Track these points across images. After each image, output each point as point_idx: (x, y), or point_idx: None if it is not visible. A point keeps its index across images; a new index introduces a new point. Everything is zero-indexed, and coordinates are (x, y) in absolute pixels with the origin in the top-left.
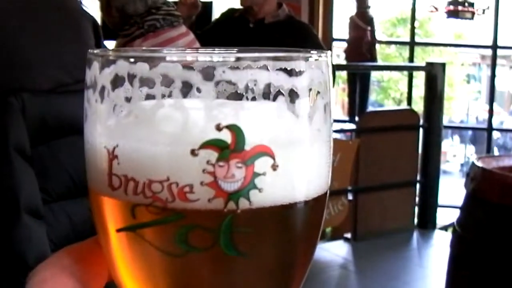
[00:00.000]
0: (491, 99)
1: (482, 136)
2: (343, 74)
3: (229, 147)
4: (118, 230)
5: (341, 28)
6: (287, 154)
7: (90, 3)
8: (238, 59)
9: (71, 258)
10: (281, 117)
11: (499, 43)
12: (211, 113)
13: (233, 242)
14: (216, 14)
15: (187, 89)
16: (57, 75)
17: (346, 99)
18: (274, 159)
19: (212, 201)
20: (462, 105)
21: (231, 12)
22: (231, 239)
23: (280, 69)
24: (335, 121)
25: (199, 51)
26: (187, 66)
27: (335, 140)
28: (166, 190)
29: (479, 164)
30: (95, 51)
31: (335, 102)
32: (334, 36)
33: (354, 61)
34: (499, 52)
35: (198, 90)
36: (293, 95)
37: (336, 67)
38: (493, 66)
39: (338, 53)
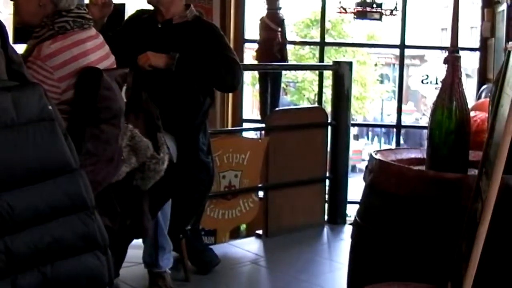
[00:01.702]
0: (399, 98)
1: (400, 131)
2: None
3: None
4: None
5: (252, 29)
6: None
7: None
8: None
9: None
10: None
11: (408, 43)
12: None
13: None
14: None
15: None
16: None
17: None
18: None
19: None
20: (376, 104)
21: (140, 13)
22: None
23: None
24: (248, 120)
25: None
26: None
27: (244, 139)
28: None
29: (377, 156)
30: None
31: (251, 102)
32: (246, 37)
33: (265, 62)
34: (414, 52)
35: None
36: None
37: (245, 67)
38: (401, 66)
39: (250, 54)
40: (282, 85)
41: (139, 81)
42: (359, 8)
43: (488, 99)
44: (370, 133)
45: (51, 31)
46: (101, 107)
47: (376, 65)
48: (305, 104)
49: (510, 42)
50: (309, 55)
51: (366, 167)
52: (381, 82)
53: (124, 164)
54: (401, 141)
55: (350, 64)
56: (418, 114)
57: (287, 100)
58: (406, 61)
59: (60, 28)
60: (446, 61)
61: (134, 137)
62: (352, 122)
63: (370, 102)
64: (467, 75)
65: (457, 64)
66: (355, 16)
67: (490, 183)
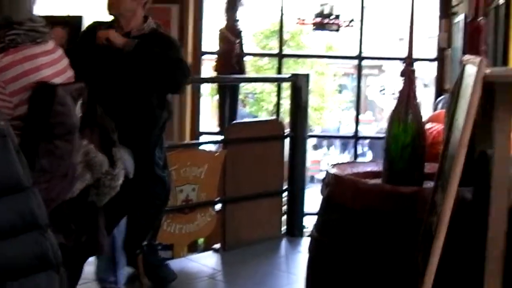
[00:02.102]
0: (357, 108)
1: (357, 142)
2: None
3: None
4: None
5: (211, 41)
6: None
7: None
8: None
9: None
10: None
11: (367, 53)
12: None
13: None
14: None
15: None
16: None
17: None
18: None
19: None
20: (335, 114)
21: (97, 24)
22: None
23: None
24: (206, 133)
25: None
26: None
27: (202, 152)
28: None
29: (333, 171)
30: None
31: (211, 113)
32: (204, 49)
33: (223, 73)
34: (372, 62)
35: None
36: None
37: (203, 80)
38: (359, 77)
39: (208, 66)
40: (241, 96)
41: (94, 96)
42: (318, 20)
43: (444, 110)
44: (328, 144)
45: (1, 44)
46: (55, 122)
47: (334, 75)
48: (264, 115)
49: (465, 56)
50: (268, 66)
51: (323, 180)
52: (340, 92)
53: (78, 180)
54: (367, 150)
55: (307, 76)
56: (379, 123)
57: (246, 111)
58: (365, 71)
59: (11, 41)
60: (402, 74)
61: (89, 152)
62: (310, 133)
63: (329, 112)
64: (425, 85)
65: (413, 77)
66: (313, 28)
67: (445, 196)
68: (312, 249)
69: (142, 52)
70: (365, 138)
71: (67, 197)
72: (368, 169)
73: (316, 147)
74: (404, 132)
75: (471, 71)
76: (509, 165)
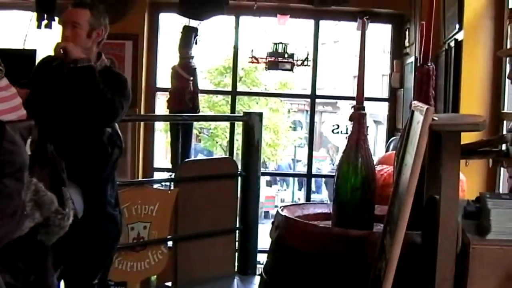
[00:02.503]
0: (311, 147)
1: (310, 180)
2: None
3: None
4: None
5: (165, 78)
6: None
7: None
8: None
9: None
10: None
11: (321, 89)
12: None
13: None
14: None
15: None
16: None
17: None
18: None
19: None
20: (289, 151)
21: (49, 59)
22: None
23: None
24: (160, 169)
25: None
26: None
27: (154, 190)
28: None
29: (283, 213)
30: None
31: (165, 149)
32: (158, 85)
33: (176, 110)
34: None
35: None
36: None
37: (156, 118)
38: (312, 116)
39: (163, 101)
40: (195, 131)
41: (44, 133)
42: (271, 59)
43: (395, 152)
44: (283, 180)
45: None
46: (4, 160)
47: (289, 112)
48: (218, 150)
49: (414, 101)
50: (222, 102)
51: (273, 223)
52: (294, 129)
53: (27, 219)
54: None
55: (260, 115)
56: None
57: (200, 146)
58: (319, 108)
59: None
60: (351, 119)
61: (38, 191)
62: (264, 170)
63: (283, 149)
64: (378, 122)
65: (362, 121)
66: (266, 67)
67: (392, 243)
68: None
69: (87, 76)
70: (319, 176)
71: (16, 236)
72: (319, 210)
73: (270, 183)
74: (353, 175)
75: (419, 118)
76: (456, 211)
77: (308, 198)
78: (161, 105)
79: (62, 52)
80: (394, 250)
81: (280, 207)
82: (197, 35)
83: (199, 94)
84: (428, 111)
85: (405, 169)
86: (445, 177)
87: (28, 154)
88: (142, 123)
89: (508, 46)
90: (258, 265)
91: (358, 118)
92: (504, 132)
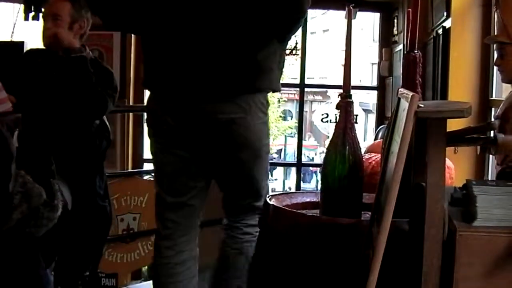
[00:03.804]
0: (300, 136)
1: (300, 169)
2: None
3: None
4: None
5: None
6: None
7: None
8: None
9: None
10: None
11: (311, 77)
12: None
13: None
14: None
15: None
16: None
17: None
18: None
19: None
20: (279, 141)
21: (33, 51)
22: None
23: None
24: (149, 160)
25: None
26: None
27: (143, 181)
28: None
29: (272, 202)
30: None
31: None
32: None
33: None
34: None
35: None
36: None
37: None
38: (301, 105)
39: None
40: None
41: (32, 126)
42: None
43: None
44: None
45: None
46: None
47: (279, 101)
48: None
49: (401, 89)
50: None
51: (261, 212)
52: (284, 118)
53: (15, 211)
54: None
55: None
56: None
57: None
58: (310, 97)
59: None
60: (337, 107)
61: (26, 183)
62: None
63: (273, 139)
64: (369, 111)
65: (349, 109)
66: None
67: (379, 231)
68: (250, 280)
69: (80, 66)
70: (308, 165)
71: (4, 228)
72: (307, 199)
73: None
74: (341, 163)
75: (404, 105)
76: (442, 198)
77: (298, 187)
78: None
79: (53, 39)
80: (380, 237)
81: (268, 196)
82: None
83: None
84: (414, 98)
85: (392, 156)
86: (430, 164)
87: (16, 146)
88: (131, 114)
89: (496, 33)
90: None
91: (345, 106)
92: (492, 119)
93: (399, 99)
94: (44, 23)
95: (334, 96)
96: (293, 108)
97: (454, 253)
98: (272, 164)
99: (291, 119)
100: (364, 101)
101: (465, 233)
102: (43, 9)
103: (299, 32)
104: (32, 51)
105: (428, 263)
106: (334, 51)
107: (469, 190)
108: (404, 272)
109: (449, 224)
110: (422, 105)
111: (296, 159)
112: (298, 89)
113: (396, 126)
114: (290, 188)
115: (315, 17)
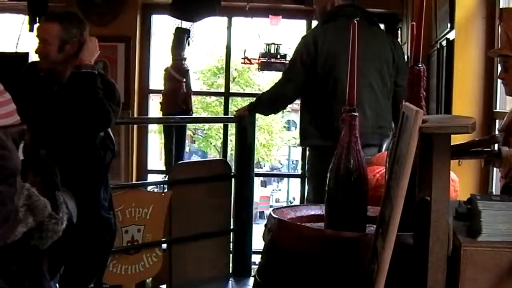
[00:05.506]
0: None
1: (305, 180)
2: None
3: None
4: None
5: (158, 79)
6: None
7: None
8: None
9: None
10: None
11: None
12: None
13: None
14: None
15: None
16: None
17: None
18: None
19: None
20: (283, 151)
21: (34, 67)
22: None
23: None
24: (153, 171)
25: None
26: None
27: (147, 192)
28: None
29: (276, 215)
30: None
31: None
32: (151, 87)
33: (169, 112)
34: None
35: None
36: None
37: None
38: None
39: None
40: (190, 132)
41: (37, 138)
42: (263, 59)
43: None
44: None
45: None
46: None
47: (283, 112)
48: (212, 151)
49: (405, 103)
50: (216, 103)
51: (265, 225)
52: (288, 129)
53: (20, 224)
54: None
55: (253, 116)
56: None
57: (195, 147)
58: None
59: None
60: (342, 120)
61: (31, 196)
62: (258, 170)
63: (277, 149)
64: None
65: (354, 123)
66: (259, 67)
67: (384, 246)
68: None
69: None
70: None
71: (9, 241)
72: (312, 212)
73: (265, 183)
74: (345, 177)
75: (409, 120)
76: (447, 213)
77: (302, 198)
78: (154, 107)
79: (44, 61)
80: (385, 252)
81: (273, 209)
82: (189, 37)
83: (192, 96)
84: (418, 114)
85: (396, 171)
86: (435, 179)
87: (21, 159)
88: (135, 125)
89: (499, 46)
90: (253, 266)
91: (349, 120)
92: (496, 132)
93: (403, 113)
94: (36, 45)
95: None
96: (297, 118)
97: (458, 268)
98: (276, 175)
99: (295, 129)
100: None
101: (470, 248)
102: None
103: None
104: (34, 63)
105: (433, 278)
106: None
107: (474, 205)
108: (409, 286)
109: (454, 239)
110: (426, 120)
111: (301, 171)
112: None
113: (401, 140)
114: (294, 199)
115: None
